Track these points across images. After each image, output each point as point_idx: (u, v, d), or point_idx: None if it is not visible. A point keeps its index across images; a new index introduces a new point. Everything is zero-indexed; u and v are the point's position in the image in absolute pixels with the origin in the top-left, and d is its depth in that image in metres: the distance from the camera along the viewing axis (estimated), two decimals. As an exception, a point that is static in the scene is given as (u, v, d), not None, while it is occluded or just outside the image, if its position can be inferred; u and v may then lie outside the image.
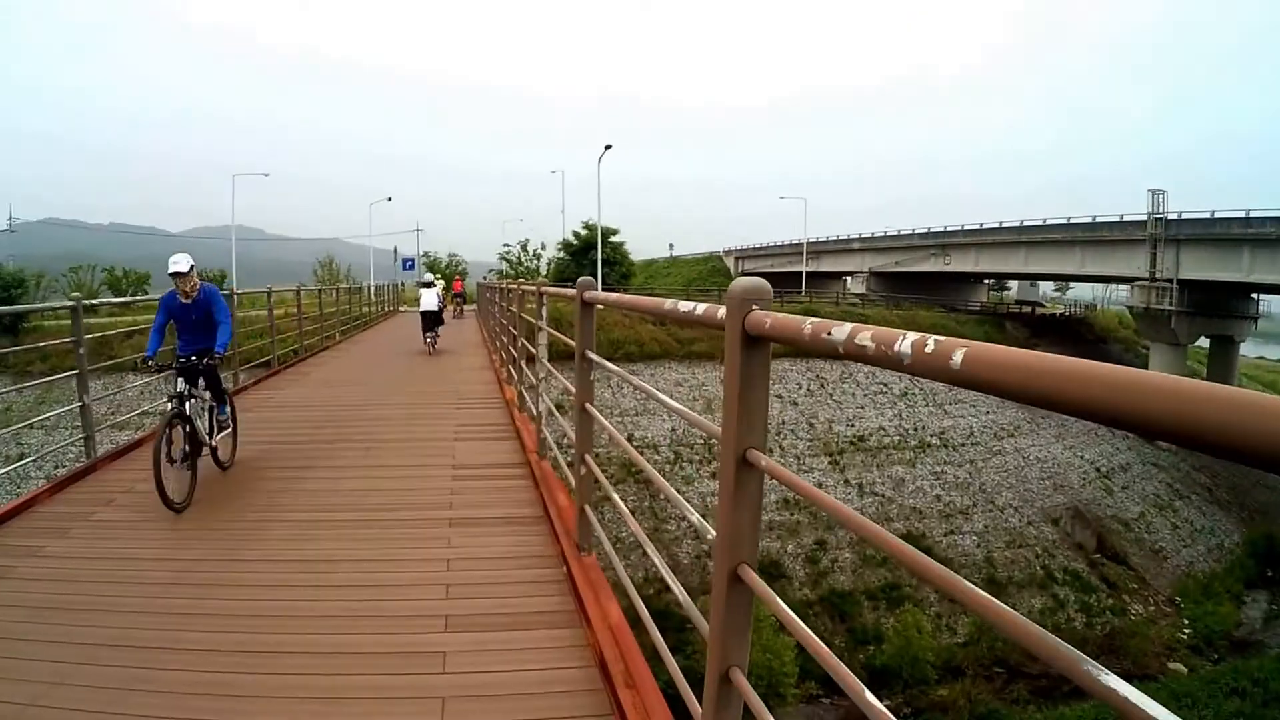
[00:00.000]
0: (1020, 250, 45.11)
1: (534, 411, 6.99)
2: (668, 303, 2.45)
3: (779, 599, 1.65)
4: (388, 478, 6.35)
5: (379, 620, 3.70)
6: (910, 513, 25.06)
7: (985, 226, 48.22)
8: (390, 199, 51.34)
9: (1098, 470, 29.80)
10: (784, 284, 61.14)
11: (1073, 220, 42.48)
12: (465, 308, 35.52)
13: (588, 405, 3.97)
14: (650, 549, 2.69)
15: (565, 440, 5.65)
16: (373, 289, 35.63)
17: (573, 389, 4.14)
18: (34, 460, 16.40)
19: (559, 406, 7.34)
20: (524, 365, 8.43)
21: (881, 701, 1.35)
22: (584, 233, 46.62)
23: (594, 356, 3.84)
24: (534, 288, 7.59)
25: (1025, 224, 45.20)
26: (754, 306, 1.69)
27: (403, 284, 45.80)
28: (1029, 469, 28.60)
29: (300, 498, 5.77)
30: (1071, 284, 72.47)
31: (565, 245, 48.65)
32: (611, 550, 3.49)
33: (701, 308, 2.13)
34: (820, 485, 24.14)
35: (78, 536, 4.88)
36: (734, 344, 1.73)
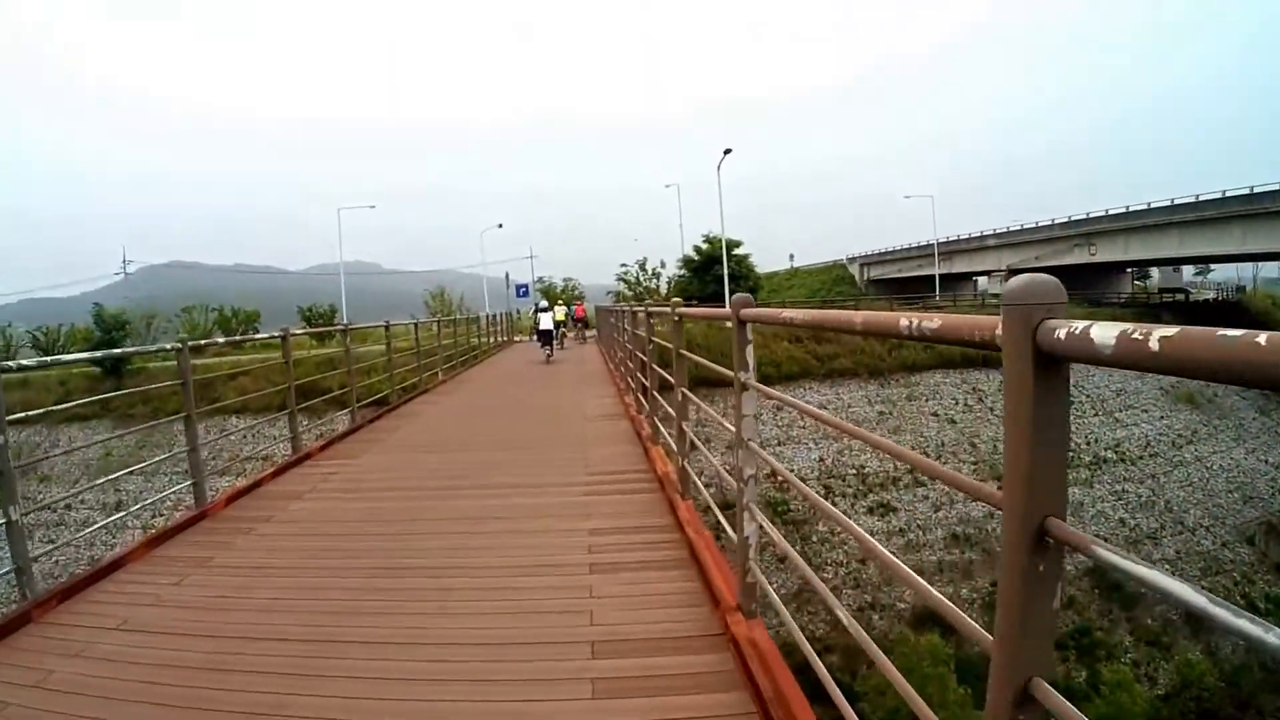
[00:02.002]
0: (1173, 232, 40.80)
1: (672, 447, 5.92)
2: (903, 320, 1.57)
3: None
4: (518, 532, 5.13)
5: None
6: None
7: (1132, 209, 43.88)
8: (501, 225, 50.20)
9: (1287, 474, 25.63)
10: (913, 289, 58.65)
11: (1228, 194, 37.74)
12: (587, 333, 34.00)
13: (750, 443, 3.14)
14: (860, 634, 1.98)
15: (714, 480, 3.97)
16: (487, 318, 32.77)
17: (730, 425, 3.32)
18: (135, 509, 15.43)
19: (705, 441, 5.50)
20: (656, 395, 7.32)
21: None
22: (705, 247, 43.26)
23: (760, 387, 3.12)
24: (668, 309, 5.93)
25: (1176, 202, 40.77)
26: (1046, 315, 1.10)
27: (518, 311, 43.25)
28: (1214, 480, 24.91)
29: (418, 557, 4.69)
30: (1213, 266, 68.76)
31: (686, 261, 45.18)
32: (790, 619, 2.86)
33: (962, 321, 1.35)
34: (990, 514, 21.40)
35: (193, 584, 4.33)
36: (1022, 370, 1.13)
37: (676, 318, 5.35)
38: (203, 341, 5.62)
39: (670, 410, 5.75)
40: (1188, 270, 78.33)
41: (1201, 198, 39.26)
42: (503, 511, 5.44)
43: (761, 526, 3.16)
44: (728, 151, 34.05)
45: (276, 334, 8.55)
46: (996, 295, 49.99)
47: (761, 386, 3.08)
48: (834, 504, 20.92)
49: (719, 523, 4.07)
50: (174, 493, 12.91)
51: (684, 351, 5.14)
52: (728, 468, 3.53)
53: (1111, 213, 45.29)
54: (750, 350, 3.13)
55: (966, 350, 26.42)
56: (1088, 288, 49.07)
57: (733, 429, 3.27)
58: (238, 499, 6.22)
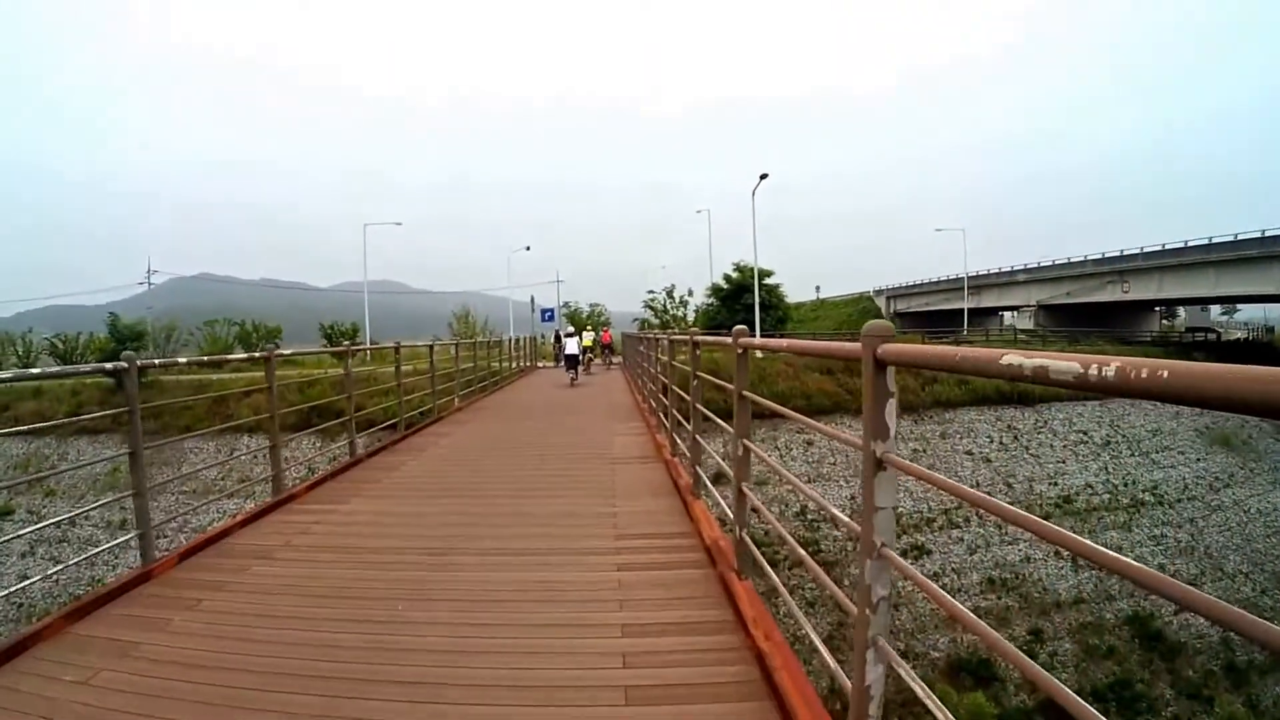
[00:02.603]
0: (1209, 271, 39.70)
1: (726, 511, 4.74)
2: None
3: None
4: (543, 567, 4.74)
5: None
6: (1134, 588, 20.29)
7: (1168, 247, 42.96)
8: (528, 248, 49.23)
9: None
10: (940, 322, 57.65)
11: (1268, 233, 36.68)
12: (613, 359, 33.13)
13: (885, 549, 2.27)
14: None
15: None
16: (512, 341, 31.60)
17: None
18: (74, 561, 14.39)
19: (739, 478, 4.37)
20: (701, 441, 6.18)
21: None
22: (735, 275, 41.69)
23: (905, 465, 2.23)
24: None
25: (1214, 241, 39.79)
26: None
27: (543, 336, 41.51)
28: (1252, 525, 23.35)
29: (396, 660, 3.54)
30: (1239, 305, 68.42)
31: (715, 290, 43.33)
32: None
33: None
34: (1028, 559, 20.31)
35: (101, 684, 3.29)
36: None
37: (740, 350, 4.16)
38: (157, 362, 4.67)
39: (724, 466, 4.60)
40: (1215, 309, 77.24)
41: (1240, 236, 38.31)
42: (511, 592, 4.26)
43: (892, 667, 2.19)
44: (764, 176, 32.00)
45: (259, 354, 7.30)
46: (1026, 330, 49.67)
47: (906, 464, 2.13)
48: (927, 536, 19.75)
49: (792, 615, 3.37)
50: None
51: (748, 393, 4.04)
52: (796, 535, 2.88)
53: (1146, 250, 44.36)
54: (892, 409, 2.15)
55: (1001, 386, 25.57)
56: (1116, 325, 48.53)
57: (841, 516, 2.68)
58: (195, 553, 5.19)
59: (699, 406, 5.97)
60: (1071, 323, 49.04)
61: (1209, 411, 27.34)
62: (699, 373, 6.05)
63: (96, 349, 31.25)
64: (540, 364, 34.04)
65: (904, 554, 19.49)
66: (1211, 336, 51.55)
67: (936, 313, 60.58)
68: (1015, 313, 56.02)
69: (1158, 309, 55.93)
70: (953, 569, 19.40)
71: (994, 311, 60.33)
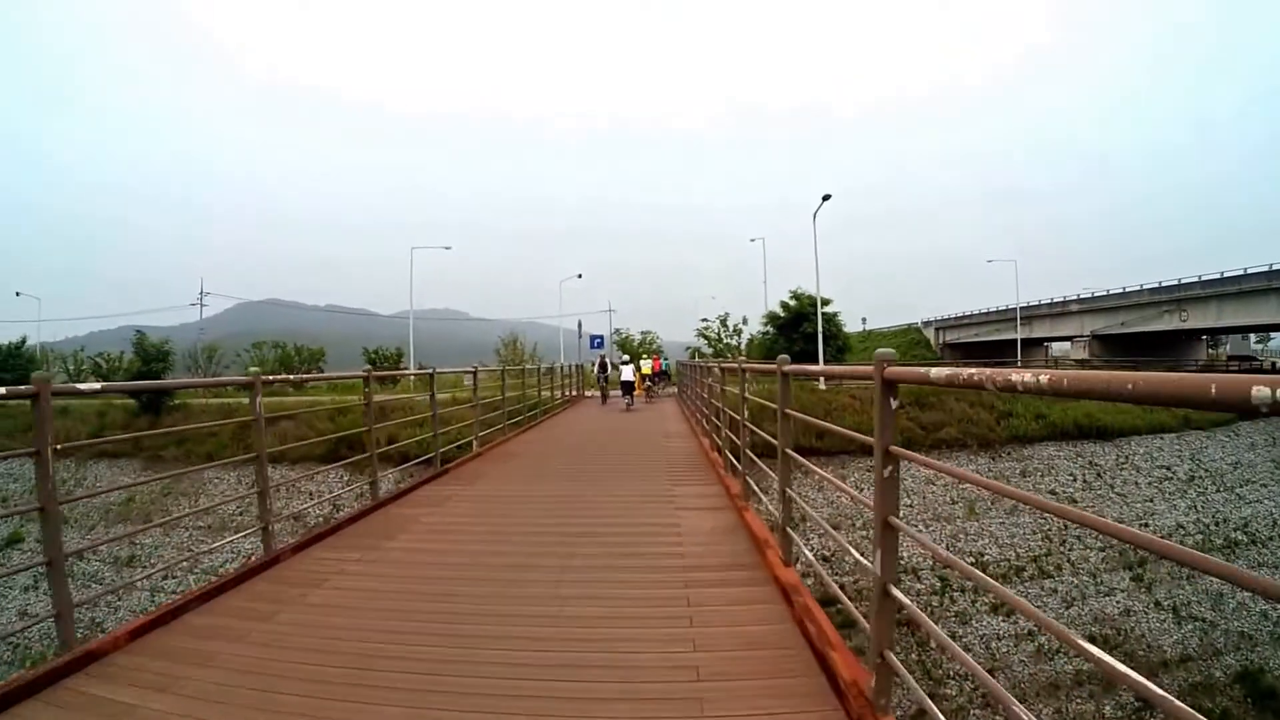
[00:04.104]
0: (1271, 298, 37.86)
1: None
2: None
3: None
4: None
5: None
6: (1240, 640, 17.83)
7: (1227, 275, 40.95)
8: (580, 276, 47.38)
9: None
10: (990, 353, 55.78)
11: (1337, 258, 34.94)
12: (666, 388, 31.36)
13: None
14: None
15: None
16: (561, 369, 29.84)
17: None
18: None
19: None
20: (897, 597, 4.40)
21: None
22: (793, 303, 37.93)
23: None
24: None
25: (1275, 267, 37.80)
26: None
27: (592, 363, 39.60)
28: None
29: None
30: (1273, 335, 67.08)
31: (771, 318, 39.19)
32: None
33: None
34: (1128, 611, 17.86)
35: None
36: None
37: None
38: (81, 387, 3.31)
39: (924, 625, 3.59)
40: (1251, 338, 75.19)
41: None
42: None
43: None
44: (826, 197, 29.43)
45: (244, 378, 5.57)
46: (1079, 360, 47.73)
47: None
48: (951, 600, 17.38)
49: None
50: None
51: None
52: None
53: (1205, 278, 42.36)
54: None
55: (1080, 420, 23.25)
56: (1167, 354, 47.87)
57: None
58: (148, 633, 3.93)
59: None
60: (1124, 352, 47.56)
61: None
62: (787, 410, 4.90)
63: (129, 369, 29.79)
64: (588, 393, 31.67)
65: (994, 610, 17.11)
66: (1254, 364, 51.50)
67: (986, 343, 58.77)
68: (1070, 343, 54.09)
69: (1204, 339, 54.71)
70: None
71: (1040, 343, 58.37)
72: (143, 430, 21.85)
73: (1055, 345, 61.24)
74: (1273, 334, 64.98)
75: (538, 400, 18.92)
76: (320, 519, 17.76)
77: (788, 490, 4.62)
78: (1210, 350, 58.25)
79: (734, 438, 7.66)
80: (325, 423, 19.63)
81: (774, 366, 4.82)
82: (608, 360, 28.21)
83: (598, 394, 28.39)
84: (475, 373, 12.23)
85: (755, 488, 6.50)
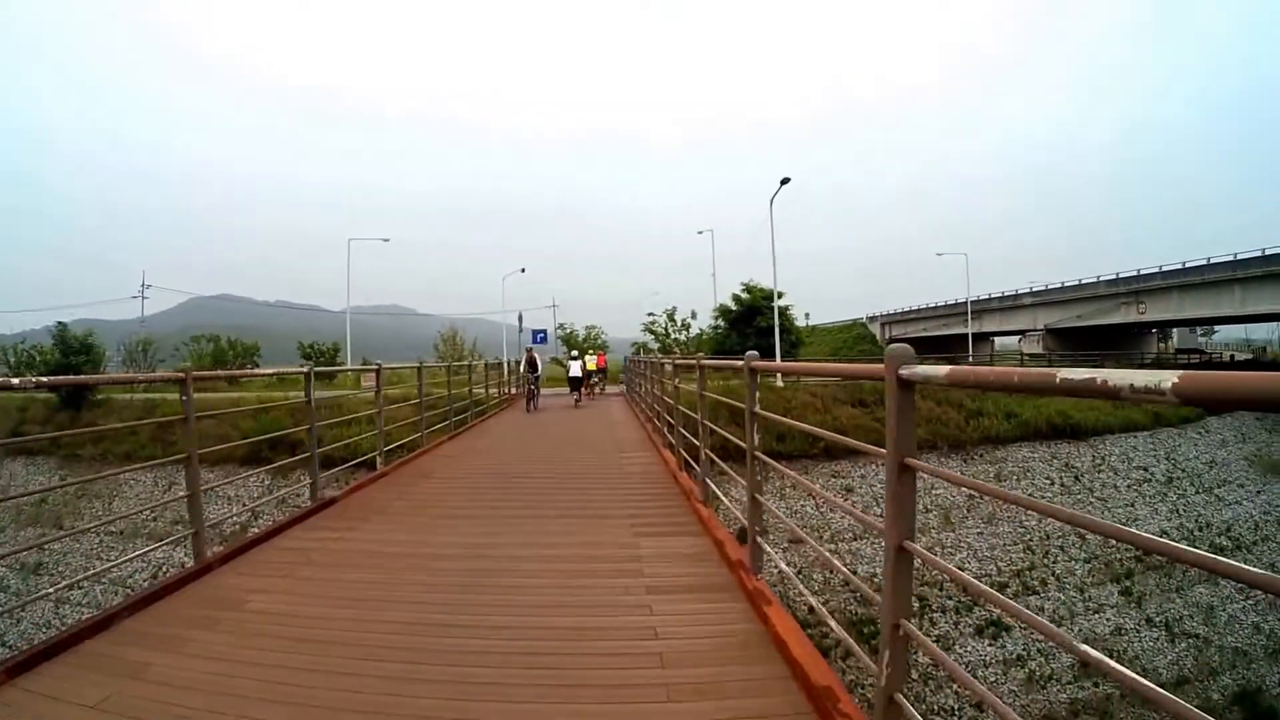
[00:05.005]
0: (1234, 289, 37.00)
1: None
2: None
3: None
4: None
5: None
6: (1236, 658, 16.40)
7: (1189, 265, 40.16)
8: (524, 270, 44.72)
9: None
10: (940, 348, 54.57)
11: (1302, 246, 34.20)
12: (608, 388, 29.50)
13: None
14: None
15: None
16: (507, 365, 28.61)
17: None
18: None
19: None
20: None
21: None
22: (745, 296, 35.40)
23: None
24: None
25: (1239, 257, 36.99)
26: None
27: (517, 361, 36.83)
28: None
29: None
30: (1216, 327, 68.57)
31: (723, 311, 36.82)
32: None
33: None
34: (1119, 629, 16.43)
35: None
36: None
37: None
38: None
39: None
40: (1199, 331, 75.58)
41: (1268, 251, 35.55)
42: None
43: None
44: (785, 181, 27.33)
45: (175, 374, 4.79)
46: (1033, 354, 46.76)
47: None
48: (932, 619, 15.50)
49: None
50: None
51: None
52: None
53: (1166, 268, 41.54)
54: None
55: (1053, 419, 21.67)
56: (1118, 349, 46.91)
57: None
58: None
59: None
60: (1078, 346, 46.92)
61: (1252, 439, 24.51)
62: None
63: (46, 362, 28.54)
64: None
65: (979, 633, 15.34)
66: (1195, 358, 52.10)
67: (934, 339, 57.64)
68: (1021, 337, 53.29)
69: (1154, 332, 54.79)
70: (1038, 650, 15.14)
71: (988, 337, 57.56)
72: (63, 426, 20.94)
73: (999, 340, 60.49)
74: (1216, 327, 65.64)
75: (468, 400, 16.53)
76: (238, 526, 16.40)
77: (757, 496, 4.28)
78: (1160, 345, 58.25)
79: (690, 437, 7.46)
80: (249, 421, 17.70)
81: (740, 363, 4.50)
82: (536, 356, 23.23)
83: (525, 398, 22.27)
84: (379, 371, 9.82)
85: (716, 490, 6.08)
